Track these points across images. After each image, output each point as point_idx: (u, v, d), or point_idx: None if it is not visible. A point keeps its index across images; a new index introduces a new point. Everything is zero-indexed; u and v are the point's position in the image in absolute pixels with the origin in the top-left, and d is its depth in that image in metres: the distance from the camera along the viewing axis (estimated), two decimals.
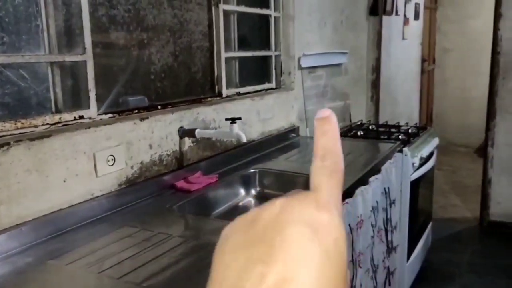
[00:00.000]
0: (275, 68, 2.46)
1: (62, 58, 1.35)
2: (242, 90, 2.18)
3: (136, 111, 1.58)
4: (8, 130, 1.18)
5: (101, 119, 1.44)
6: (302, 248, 0.24)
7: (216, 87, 2.03)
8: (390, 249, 2.26)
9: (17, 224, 1.16)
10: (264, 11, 2.35)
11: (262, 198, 1.83)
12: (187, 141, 1.74)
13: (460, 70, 6.13)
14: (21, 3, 1.25)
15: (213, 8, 1.96)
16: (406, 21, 4.55)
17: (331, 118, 0.30)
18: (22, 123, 1.21)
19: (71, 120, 1.34)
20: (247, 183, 1.85)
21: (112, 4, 1.51)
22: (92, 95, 1.41)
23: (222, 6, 1.98)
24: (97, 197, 1.38)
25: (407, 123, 3.09)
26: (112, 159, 1.42)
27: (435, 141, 2.89)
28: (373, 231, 1.98)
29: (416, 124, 3.27)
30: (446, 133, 5.82)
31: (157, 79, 1.74)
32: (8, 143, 1.14)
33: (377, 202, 2.00)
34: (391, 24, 4.04)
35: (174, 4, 1.78)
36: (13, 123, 1.19)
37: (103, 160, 1.39)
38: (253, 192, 1.85)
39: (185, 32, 1.85)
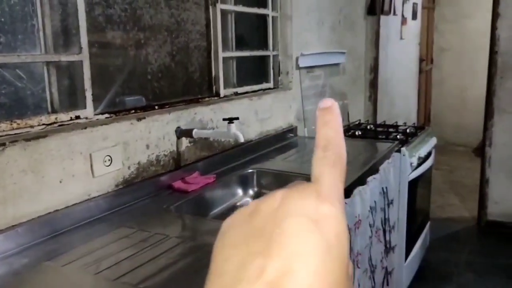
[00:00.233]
0: (273, 68, 2.46)
1: (58, 58, 1.34)
2: (240, 90, 2.18)
3: (133, 111, 1.58)
4: (4, 130, 1.17)
5: (97, 119, 1.43)
6: (302, 240, 0.23)
7: (214, 87, 2.02)
8: (388, 249, 2.26)
9: (13, 225, 1.15)
10: (261, 11, 2.35)
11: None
12: (185, 141, 1.74)
13: (458, 70, 6.14)
14: (17, 3, 1.24)
15: (210, 7, 1.95)
16: (403, 20, 4.55)
17: (334, 108, 0.29)
18: (18, 124, 1.20)
19: (67, 120, 1.34)
20: (244, 183, 1.84)
21: (108, 3, 1.50)
22: (89, 95, 1.40)
23: (220, 6, 1.98)
24: (94, 197, 1.37)
25: (405, 123, 3.09)
26: (109, 160, 1.41)
27: (433, 141, 2.89)
28: (371, 231, 1.97)
29: (414, 123, 3.27)
30: (444, 133, 5.82)
31: (154, 79, 1.73)
32: (4, 144, 1.13)
33: (375, 202, 2.00)
34: (389, 23, 4.04)
35: (171, 3, 1.77)
36: (8, 123, 1.18)
37: (99, 160, 1.38)
38: (251, 192, 1.85)
39: (182, 32, 1.85)
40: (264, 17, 2.39)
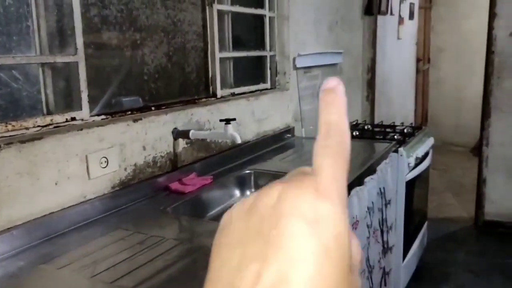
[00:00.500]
0: (270, 68, 2.45)
1: (53, 59, 1.33)
2: (237, 90, 2.17)
3: (129, 112, 1.57)
4: None
5: (93, 120, 1.42)
6: (298, 244, 0.22)
7: (211, 88, 2.01)
8: (386, 249, 2.26)
9: (8, 228, 1.14)
10: (258, 11, 2.34)
11: None
12: (181, 143, 1.73)
13: (455, 70, 6.15)
14: (12, 4, 1.24)
15: (207, 8, 1.95)
16: (401, 20, 4.55)
17: (338, 89, 0.26)
18: (13, 125, 1.20)
19: (63, 122, 1.33)
20: (242, 184, 1.84)
21: (104, 4, 1.49)
22: (84, 96, 1.39)
23: (216, 6, 1.97)
24: (90, 199, 1.36)
25: (402, 123, 3.09)
26: (105, 161, 1.40)
27: (430, 141, 2.89)
28: (369, 231, 1.97)
29: (411, 123, 3.27)
30: (441, 133, 5.83)
31: (151, 79, 1.72)
32: None
33: (372, 202, 2.00)
34: (386, 23, 4.04)
35: (167, 4, 1.77)
36: (3, 125, 1.17)
37: (96, 162, 1.37)
38: (248, 193, 1.84)
39: (178, 33, 1.84)
40: (261, 18, 2.38)
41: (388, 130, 2.91)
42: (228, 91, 2.10)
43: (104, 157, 1.40)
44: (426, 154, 2.78)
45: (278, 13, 2.44)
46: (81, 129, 1.34)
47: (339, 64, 3.15)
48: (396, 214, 2.40)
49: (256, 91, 2.31)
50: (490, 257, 3.15)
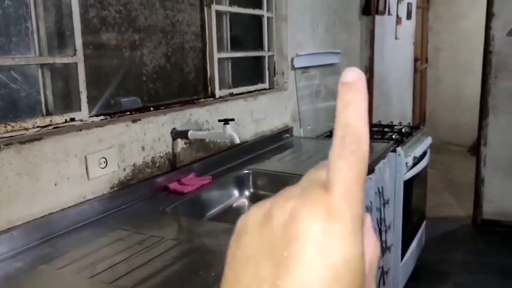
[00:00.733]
0: (268, 69, 2.46)
1: (52, 60, 1.33)
2: (235, 90, 2.18)
3: (128, 112, 1.57)
4: None
5: (92, 121, 1.43)
6: (307, 269, 0.22)
7: (209, 88, 2.02)
8: (384, 248, 2.27)
9: (8, 229, 1.15)
10: (256, 12, 2.35)
11: (256, 199, 1.83)
12: (180, 143, 1.73)
13: (453, 69, 6.16)
14: (11, 5, 1.24)
15: (205, 8, 1.95)
16: (398, 20, 4.56)
17: (359, 85, 0.23)
18: (12, 126, 1.20)
19: (62, 123, 1.33)
20: (240, 184, 1.84)
21: (103, 5, 1.50)
22: (83, 97, 1.39)
23: (215, 7, 1.97)
24: (89, 200, 1.36)
25: (400, 123, 3.10)
26: (104, 162, 1.40)
27: (428, 140, 2.90)
28: None
29: (409, 123, 3.28)
30: (439, 132, 5.85)
31: (149, 80, 1.72)
32: None
33: (371, 202, 2.00)
34: (383, 23, 4.05)
35: (166, 4, 1.77)
36: (3, 126, 1.18)
37: (95, 162, 1.37)
38: (246, 193, 1.85)
39: (177, 33, 1.84)
40: (259, 18, 2.38)
41: (386, 129, 2.92)
42: (226, 91, 2.10)
43: (103, 157, 1.40)
44: (424, 154, 2.79)
45: (276, 14, 2.45)
46: (80, 130, 1.34)
47: (337, 64, 3.16)
48: (394, 213, 2.41)
49: (254, 91, 2.31)
50: (488, 256, 3.16)
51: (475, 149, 3.76)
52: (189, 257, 1.15)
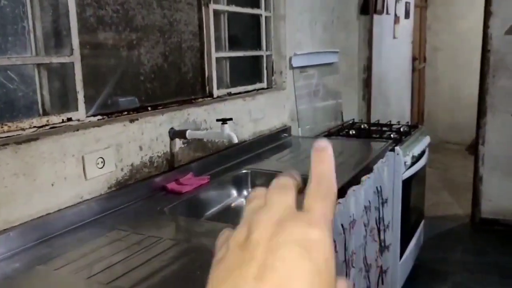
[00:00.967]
0: (267, 68, 2.45)
1: (49, 60, 1.33)
2: (233, 90, 2.17)
3: (126, 112, 1.57)
4: None
5: (89, 121, 1.42)
6: (294, 265, 0.25)
7: (207, 88, 2.01)
8: (383, 248, 2.26)
9: (5, 229, 1.14)
10: (254, 11, 2.34)
11: None
12: (178, 142, 1.73)
13: (451, 68, 6.17)
14: (7, 5, 1.23)
15: (203, 7, 1.94)
16: (396, 19, 4.56)
17: (328, 149, 0.32)
18: (9, 126, 1.19)
19: (59, 123, 1.32)
20: (239, 184, 1.84)
21: (100, 4, 1.49)
22: (80, 97, 1.39)
23: (212, 6, 1.97)
24: (87, 200, 1.36)
25: (398, 122, 3.10)
26: (101, 162, 1.40)
27: (427, 140, 2.90)
28: (366, 230, 1.98)
29: (407, 122, 3.28)
30: (437, 131, 5.85)
31: (147, 80, 1.72)
32: None
33: (369, 201, 2.00)
34: (382, 23, 4.05)
35: (163, 4, 1.76)
36: None
37: (92, 162, 1.37)
38: (245, 193, 1.84)
39: (175, 32, 1.84)
40: (257, 17, 2.38)
41: (384, 129, 2.92)
42: (224, 91, 2.10)
43: (100, 157, 1.39)
44: (423, 153, 2.79)
45: (274, 13, 2.45)
46: (77, 130, 1.33)
47: (335, 64, 3.16)
48: (393, 212, 2.41)
49: (252, 90, 2.31)
50: (486, 255, 3.16)
51: (473, 148, 3.76)
52: (187, 257, 1.14)
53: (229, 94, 2.13)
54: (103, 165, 1.40)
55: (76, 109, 1.38)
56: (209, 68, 1.99)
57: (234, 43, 2.24)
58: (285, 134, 2.49)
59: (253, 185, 1.86)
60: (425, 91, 6.38)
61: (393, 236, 2.41)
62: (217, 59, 2.04)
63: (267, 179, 1.85)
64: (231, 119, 1.70)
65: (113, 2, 1.54)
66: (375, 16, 3.74)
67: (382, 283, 2.28)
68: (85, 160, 1.34)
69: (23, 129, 1.22)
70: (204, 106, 1.88)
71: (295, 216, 0.28)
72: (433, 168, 4.74)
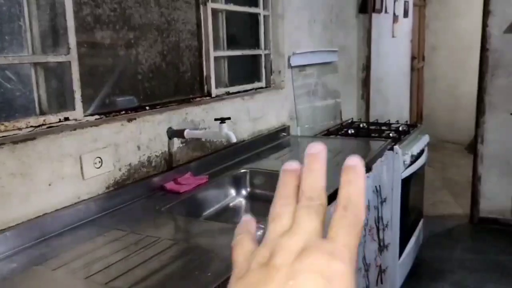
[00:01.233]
0: (265, 67, 2.45)
1: (46, 59, 1.32)
2: (232, 89, 2.16)
3: (124, 112, 1.56)
4: None
5: (87, 120, 1.41)
6: None
7: (205, 87, 2.00)
8: (382, 247, 2.26)
9: (2, 229, 1.13)
10: (253, 10, 2.34)
11: (253, 199, 1.82)
12: (176, 142, 1.72)
13: (449, 67, 6.17)
14: (3, 3, 1.22)
15: (201, 6, 1.94)
16: (395, 18, 4.55)
17: (359, 168, 0.30)
18: (5, 126, 1.18)
19: (56, 122, 1.32)
20: (237, 184, 1.83)
21: (97, 3, 1.48)
22: (78, 96, 1.38)
23: (210, 5, 1.96)
24: (84, 200, 1.35)
25: (397, 121, 3.10)
26: (99, 161, 1.39)
27: (426, 138, 2.90)
28: (365, 229, 1.97)
29: (406, 121, 3.28)
30: (436, 130, 5.84)
31: (145, 79, 1.71)
32: None
33: (368, 200, 2.00)
34: (380, 22, 4.04)
35: (161, 2, 1.76)
36: None
37: (90, 162, 1.36)
38: (243, 192, 1.84)
39: (173, 31, 1.83)
40: (255, 16, 2.37)
41: (383, 128, 2.92)
42: (223, 90, 2.09)
43: (98, 157, 1.39)
44: (422, 152, 2.78)
45: (272, 12, 2.44)
46: (75, 129, 1.33)
47: (334, 63, 3.15)
48: (392, 212, 2.40)
49: (251, 90, 2.30)
50: (485, 254, 3.16)
51: (472, 147, 3.76)
52: (185, 257, 1.14)
53: (228, 93, 2.12)
54: (101, 164, 1.40)
55: (74, 108, 1.37)
56: (207, 67, 1.99)
57: (232, 42, 2.23)
58: (283, 134, 2.49)
59: (252, 185, 1.85)
60: (424, 90, 6.38)
61: (392, 235, 2.41)
62: (216, 58, 2.03)
63: (265, 178, 1.85)
64: (229, 118, 1.69)
65: (110, 1, 1.53)
66: (374, 15, 3.74)
67: (381, 283, 2.28)
68: (82, 160, 1.34)
69: (20, 129, 1.21)
70: (203, 105, 1.87)
71: (319, 245, 0.27)
72: (432, 167, 4.74)
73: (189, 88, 1.94)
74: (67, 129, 1.31)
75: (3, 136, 1.17)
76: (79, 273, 1.04)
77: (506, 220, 3.51)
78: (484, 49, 3.41)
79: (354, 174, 0.29)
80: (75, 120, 1.37)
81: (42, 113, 1.32)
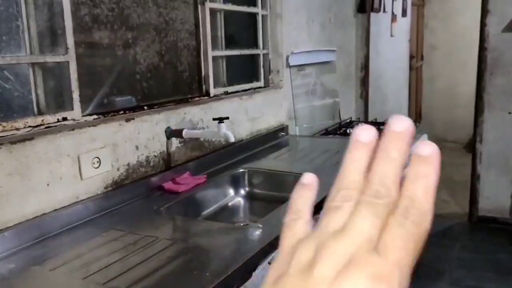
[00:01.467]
0: (263, 67, 2.45)
1: (44, 59, 1.32)
2: (230, 89, 2.16)
3: (122, 112, 1.56)
4: None
5: (85, 120, 1.41)
6: None
7: (204, 87, 2.00)
8: None
9: (0, 230, 1.13)
10: (251, 9, 2.33)
11: (251, 198, 1.82)
12: (175, 142, 1.72)
13: (448, 66, 6.17)
14: (1, 4, 1.22)
15: (199, 6, 1.93)
16: (394, 18, 4.56)
17: (433, 159, 0.24)
18: (3, 126, 1.18)
19: (54, 122, 1.31)
20: (236, 183, 1.83)
21: (95, 3, 1.48)
22: (76, 96, 1.38)
23: (209, 4, 1.96)
24: (82, 200, 1.35)
25: None
26: (97, 161, 1.39)
27: (424, 138, 2.90)
28: None
29: None
30: (435, 129, 5.85)
31: (143, 79, 1.71)
32: None
33: None
34: (379, 21, 4.04)
35: (159, 2, 1.75)
36: None
37: (88, 162, 1.36)
38: (242, 192, 1.84)
39: (171, 31, 1.83)
40: (254, 16, 2.37)
41: (382, 127, 2.90)
42: (221, 90, 2.09)
43: (96, 157, 1.39)
44: None
45: (271, 11, 2.44)
46: (73, 129, 1.32)
47: (333, 62, 3.15)
48: None
49: (249, 89, 2.30)
50: (484, 253, 3.17)
51: (471, 146, 3.76)
52: (184, 257, 1.14)
53: (226, 93, 2.12)
54: (99, 164, 1.40)
55: (72, 108, 1.37)
56: (205, 67, 1.99)
57: (230, 42, 2.23)
58: (282, 133, 2.48)
59: (250, 184, 1.85)
60: (422, 89, 6.38)
61: None
62: (214, 57, 2.03)
63: (264, 178, 1.85)
64: (227, 118, 1.69)
65: (108, 1, 1.53)
66: (372, 15, 3.74)
67: None
68: (80, 160, 1.33)
69: (17, 129, 1.21)
70: (201, 105, 1.87)
71: (366, 261, 0.23)
72: None
73: (187, 88, 1.94)
74: (65, 129, 1.30)
75: (1, 137, 1.17)
76: (77, 273, 1.04)
77: (505, 219, 3.51)
78: (482, 48, 3.42)
79: (426, 166, 0.24)
80: (73, 120, 1.37)
81: (40, 113, 1.32)
